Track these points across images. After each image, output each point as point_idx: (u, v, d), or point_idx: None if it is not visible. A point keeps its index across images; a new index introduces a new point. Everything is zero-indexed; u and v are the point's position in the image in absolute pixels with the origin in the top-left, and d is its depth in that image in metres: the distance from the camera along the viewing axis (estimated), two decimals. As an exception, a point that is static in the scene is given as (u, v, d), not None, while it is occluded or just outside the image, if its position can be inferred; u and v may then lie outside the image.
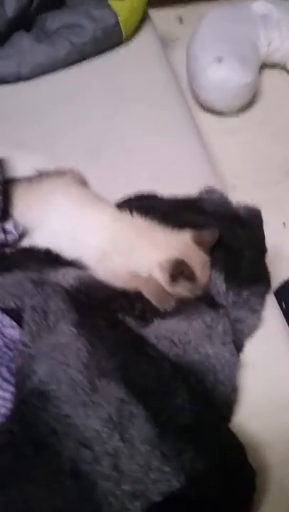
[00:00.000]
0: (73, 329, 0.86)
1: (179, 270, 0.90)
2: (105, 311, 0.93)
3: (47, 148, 1.38)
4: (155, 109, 1.48)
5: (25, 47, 1.61)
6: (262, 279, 1.00)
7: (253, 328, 0.95)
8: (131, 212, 1.03)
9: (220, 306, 0.93)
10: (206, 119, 1.80)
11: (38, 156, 1.32)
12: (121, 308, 0.95)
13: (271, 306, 1.02)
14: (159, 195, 1.13)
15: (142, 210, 1.03)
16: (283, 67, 1.90)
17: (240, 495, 0.69)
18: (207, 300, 0.94)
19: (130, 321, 0.92)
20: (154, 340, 0.88)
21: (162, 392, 0.78)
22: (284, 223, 1.53)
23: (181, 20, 2.25)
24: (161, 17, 2.21)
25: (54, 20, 1.65)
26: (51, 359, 0.79)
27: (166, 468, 0.67)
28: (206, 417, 0.75)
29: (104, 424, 0.70)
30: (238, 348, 0.93)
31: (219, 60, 1.68)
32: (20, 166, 1.28)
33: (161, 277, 0.93)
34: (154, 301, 0.94)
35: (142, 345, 0.85)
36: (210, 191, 1.06)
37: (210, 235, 0.96)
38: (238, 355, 0.89)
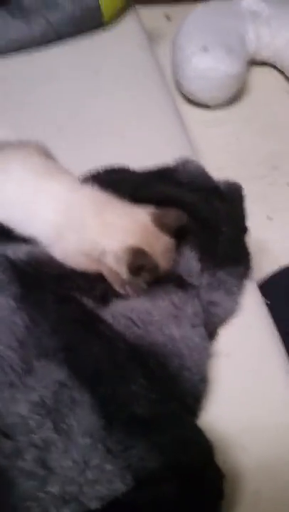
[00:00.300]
0: (12, 302, 0.72)
1: (139, 263, 0.74)
2: (57, 286, 0.78)
3: (13, 123, 1.27)
4: (133, 91, 1.38)
5: (-3, 22, 1.51)
6: (241, 260, 0.87)
7: (229, 313, 0.81)
8: (92, 184, 0.89)
9: (190, 287, 0.80)
10: (190, 112, 1.71)
11: (1, 129, 1.21)
12: (77, 288, 0.81)
13: (252, 293, 0.89)
14: (130, 168, 1.01)
15: (110, 184, 0.90)
16: (273, 65, 1.83)
17: (203, 502, 0.54)
18: (175, 279, 0.81)
19: (87, 301, 0.78)
20: (109, 319, 0.73)
21: (114, 377, 0.64)
22: (268, 217, 1.42)
23: (168, 18, 2.19)
24: (149, 14, 2.14)
25: (30, -3, 1.56)
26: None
27: (109, 467, 0.52)
28: (165, 406, 0.61)
29: (33, 410, 0.56)
30: (212, 333, 0.80)
31: (205, 49, 1.59)
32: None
33: (118, 268, 0.77)
34: (116, 288, 0.80)
35: (93, 321, 0.70)
36: (186, 162, 0.94)
37: (175, 218, 0.79)
38: (210, 341, 0.75)
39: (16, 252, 0.86)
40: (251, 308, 0.85)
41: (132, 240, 0.75)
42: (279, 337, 0.84)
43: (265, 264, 1.28)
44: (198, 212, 0.85)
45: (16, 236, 0.91)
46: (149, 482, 0.52)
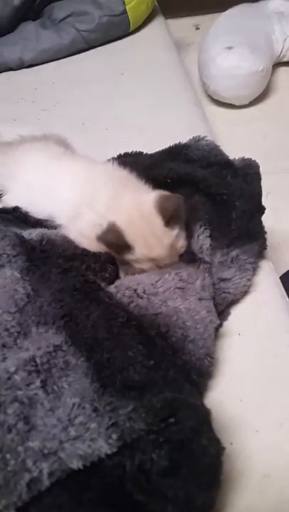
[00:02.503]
0: (17, 274, 0.72)
1: (108, 239, 0.74)
2: (64, 261, 0.78)
3: (38, 123, 1.32)
4: (155, 90, 1.40)
5: (29, 33, 1.59)
6: (256, 237, 0.83)
7: (240, 289, 0.77)
8: (112, 162, 0.90)
9: (201, 262, 0.77)
10: (216, 112, 1.71)
11: (27, 128, 1.25)
12: (87, 268, 0.79)
13: (268, 273, 0.84)
14: (144, 152, 1.00)
15: (125, 165, 0.90)
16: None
17: (197, 474, 0.50)
18: (186, 256, 0.78)
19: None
20: (113, 290, 0.72)
21: (111, 343, 0.61)
22: (293, 210, 1.37)
23: (198, 28, 2.23)
24: (178, 25, 2.20)
25: (61, 9, 1.64)
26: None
27: (93, 425, 0.50)
28: (163, 372, 0.57)
29: (21, 367, 0.54)
30: (223, 311, 0.76)
31: (229, 48, 1.59)
32: (7, 136, 1.20)
33: None
34: (121, 270, 0.79)
35: (94, 289, 0.69)
36: (199, 139, 0.92)
37: (172, 201, 0.76)
38: (219, 317, 0.71)
39: (30, 233, 0.87)
40: (266, 288, 0.81)
41: (119, 218, 0.74)
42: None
43: (289, 255, 1.22)
44: (210, 187, 0.83)
45: (32, 221, 0.93)
46: (137, 446, 0.49)
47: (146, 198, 0.77)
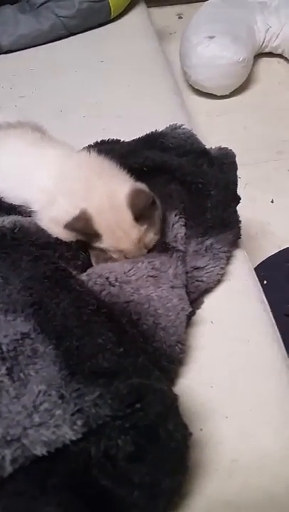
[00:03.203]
0: (-15, 262, 0.70)
1: (75, 226, 0.73)
2: (36, 249, 0.77)
3: (16, 109, 1.30)
4: (134, 77, 1.38)
5: (8, 18, 1.55)
6: (230, 226, 0.83)
7: (213, 277, 0.77)
8: (89, 150, 0.88)
9: (174, 250, 0.77)
10: (197, 102, 1.70)
11: (3, 114, 1.23)
12: (60, 257, 0.79)
13: (242, 262, 0.85)
14: (121, 140, 0.99)
15: (102, 153, 0.89)
16: (282, 55, 1.80)
17: (163, 459, 0.50)
18: (159, 246, 0.78)
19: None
20: (84, 277, 0.71)
21: (82, 331, 0.61)
22: (272, 200, 1.38)
23: (180, 17, 2.21)
24: (161, 14, 2.18)
25: (41, -6, 1.60)
26: None
27: (59, 411, 0.49)
28: (132, 359, 0.57)
29: (-14, 354, 0.53)
30: (197, 300, 0.76)
31: (210, 38, 1.58)
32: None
33: None
34: (92, 258, 0.78)
35: (65, 277, 0.68)
36: (175, 127, 0.92)
37: (142, 198, 0.74)
38: (191, 305, 0.71)
39: (3, 220, 0.85)
40: (239, 277, 0.81)
41: (90, 205, 0.73)
42: (268, 306, 0.80)
43: (266, 246, 1.23)
44: (185, 176, 0.82)
45: (6, 207, 0.91)
46: (102, 432, 0.49)
47: (120, 189, 0.76)
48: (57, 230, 0.80)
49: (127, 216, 0.73)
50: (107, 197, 0.75)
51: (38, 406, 0.50)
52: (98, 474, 0.49)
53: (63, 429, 0.48)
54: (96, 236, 0.73)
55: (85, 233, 0.74)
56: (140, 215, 0.74)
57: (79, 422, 0.49)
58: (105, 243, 0.73)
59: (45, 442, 0.47)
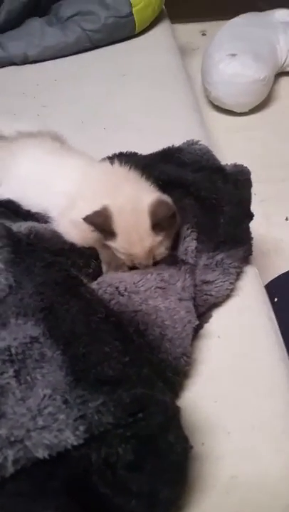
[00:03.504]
0: (1, 265, 0.72)
1: (94, 220, 0.74)
2: (49, 255, 0.78)
3: (37, 118, 1.33)
4: (156, 91, 1.41)
5: (35, 30, 1.60)
6: (242, 243, 0.84)
7: (222, 292, 0.78)
8: (111, 161, 0.91)
9: (183, 263, 0.78)
10: (217, 118, 1.72)
11: (25, 123, 1.26)
12: (72, 264, 0.80)
13: (252, 278, 0.85)
14: (139, 153, 1.01)
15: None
16: (303, 75, 1.82)
17: (161, 471, 0.50)
18: (169, 258, 0.79)
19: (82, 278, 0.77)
20: (94, 286, 0.72)
21: (89, 338, 0.62)
22: (287, 218, 1.38)
23: (204, 34, 2.24)
24: (185, 30, 2.21)
25: (68, 8, 1.65)
26: None
27: (62, 416, 0.50)
28: (137, 369, 0.58)
29: (-5, 355, 0.55)
30: (205, 314, 0.77)
31: (232, 55, 1.60)
32: (4, 130, 1.21)
33: None
34: (103, 266, 0.80)
35: (76, 284, 0.69)
36: (192, 143, 0.93)
37: (163, 208, 0.75)
38: (196, 316, 0.72)
39: (20, 226, 0.87)
40: (249, 293, 0.82)
41: (112, 203, 0.75)
42: (276, 324, 0.80)
43: (279, 263, 1.23)
44: (200, 191, 0.84)
45: (24, 213, 0.94)
46: (103, 439, 0.49)
47: (145, 195, 0.78)
48: (74, 233, 0.82)
49: (146, 222, 0.75)
50: (131, 200, 0.77)
51: (43, 409, 0.51)
52: (98, 481, 0.49)
53: (65, 433, 0.49)
54: (111, 235, 0.74)
55: (102, 229, 0.75)
56: (158, 225, 0.75)
57: (81, 428, 0.49)
58: (118, 244, 0.75)
59: (47, 445, 0.48)
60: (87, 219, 0.74)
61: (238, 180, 0.88)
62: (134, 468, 0.50)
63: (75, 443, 0.49)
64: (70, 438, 0.49)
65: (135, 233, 0.74)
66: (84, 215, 0.78)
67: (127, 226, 0.74)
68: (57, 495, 0.47)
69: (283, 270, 1.21)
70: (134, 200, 0.77)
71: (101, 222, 0.74)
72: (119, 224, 0.74)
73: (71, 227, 0.83)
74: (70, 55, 1.60)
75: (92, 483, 0.49)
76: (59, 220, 0.85)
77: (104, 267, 0.80)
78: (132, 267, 0.78)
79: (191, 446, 0.55)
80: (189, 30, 2.24)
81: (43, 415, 0.50)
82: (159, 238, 0.76)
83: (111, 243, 0.76)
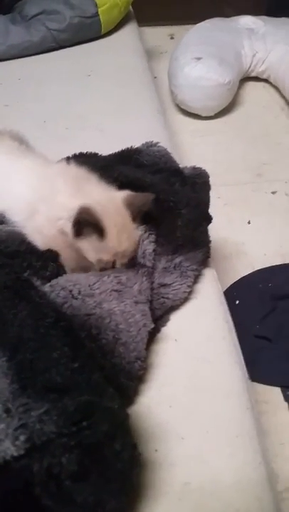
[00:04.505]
0: None
1: (83, 218, 0.71)
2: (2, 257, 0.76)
3: (-1, 117, 1.30)
4: (120, 92, 1.39)
5: (-2, 28, 1.56)
6: (200, 246, 0.83)
7: (179, 295, 0.77)
8: (68, 161, 0.89)
9: (140, 266, 0.76)
10: (182, 121, 1.72)
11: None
12: (28, 266, 0.78)
13: (210, 281, 0.84)
14: (99, 153, 0.99)
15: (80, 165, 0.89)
16: (267, 80, 1.84)
17: (108, 480, 0.48)
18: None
19: (35, 280, 0.75)
20: (47, 290, 0.70)
21: (37, 344, 0.59)
22: (249, 221, 1.39)
23: (172, 37, 2.25)
24: (154, 33, 2.22)
25: (33, 6, 1.62)
26: None
27: (2, 425, 0.48)
28: (86, 376, 0.56)
29: None
30: (162, 317, 0.76)
31: (197, 59, 1.61)
32: None
33: (68, 230, 0.74)
34: (67, 269, 0.78)
35: (25, 288, 0.67)
36: (151, 145, 0.92)
37: (141, 198, 0.77)
38: (151, 319, 0.71)
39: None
40: (207, 296, 0.81)
41: (91, 203, 0.73)
42: (233, 327, 0.79)
43: (240, 266, 1.24)
44: (157, 193, 0.82)
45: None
46: (46, 449, 0.47)
47: (114, 192, 0.78)
48: (40, 240, 0.79)
49: (127, 217, 0.75)
50: (106, 199, 0.76)
51: (-19, 419, 0.49)
52: (40, 493, 0.47)
53: (5, 444, 0.46)
54: (99, 232, 0.72)
55: (93, 225, 0.72)
56: (136, 216, 0.76)
57: (21, 438, 0.47)
58: (106, 243, 0.73)
59: (-14, 459, 0.46)
60: (78, 216, 0.71)
61: (196, 183, 0.87)
62: (79, 478, 0.48)
63: (15, 453, 0.47)
64: (10, 448, 0.46)
65: (124, 229, 0.74)
66: (44, 222, 0.76)
67: (116, 223, 0.73)
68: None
69: (245, 273, 1.22)
70: (107, 199, 0.76)
71: (92, 218, 0.72)
72: (107, 223, 0.73)
73: (37, 233, 0.80)
74: (35, 54, 1.58)
75: (35, 496, 0.47)
76: (24, 225, 0.82)
77: (68, 270, 0.77)
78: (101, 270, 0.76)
79: (139, 454, 0.53)
80: (158, 34, 2.25)
81: (-19, 426, 0.48)
82: (140, 231, 0.77)
83: (94, 243, 0.73)
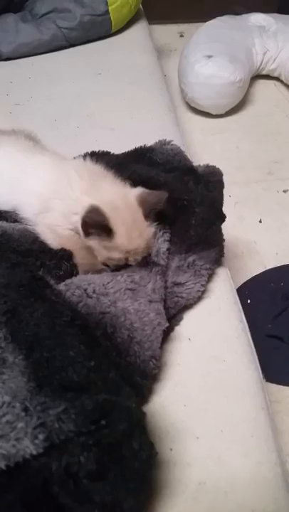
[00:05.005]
0: None
1: (91, 218, 0.72)
2: (16, 256, 0.76)
3: (10, 116, 1.30)
4: (130, 91, 1.39)
5: (9, 26, 1.57)
6: (214, 244, 0.83)
7: (193, 294, 0.77)
8: (84, 158, 0.89)
9: (154, 265, 0.76)
10: (192, 120, 1.72)
11: (-1, 120, 1.23)
12: (41, 265, 0.78)
13: (223, 280, 0.84)
14: (111, 152, 0.99)
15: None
16: (278, 78, 1.82)
17: (125, 475, 0.48)
18: (140, 260, 0.77)
19: (49, 279, 0.75)
20: (62, 287, 0.70)
21: (54, 342, 0.59)
22: (260, 220, 1.39)
23: (182, 35, 2.24)
24: (163, 31, 2.22)
25: (43, 4, 1.62)
26: None
27: (21, 424, 0.48)
28: (102, 374, 0.56)
29: None
30: (176, 316, 0.76)
31: (208, 57, 1.60)
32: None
33: (80, 229, 0.75)
34: (80, 271, 0.78)
35: (41, 286, 0.67)
36: (164, 143, 0.92)
37: (154, 196, 0.77)
38: (165, 318, 0.71)
39: (-13, 226, 0.84)
40: (220, 295, 0.81)
41: (102, 203, 0.73)
42: (247, 327, 0.79)
43: (252, 265, 1.23)
44: (171, 192, 0.82)
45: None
46: (65, 448, 0.47)
47: (128, 190, 0.78)
48: (52, 238, 0.79)
49: (140, 215, 0.75)
50: (118, 196, 0.76)
51: (0, 418, 0.49)
52: (58, 491, 0.47)
53: (24, 442, 0.46)
54: (108, 232, 0.72)
55: (100, 227, 0.72)
56: (149, 214, 0.76)
57: (41, 436, 0.47)
58: (116, 242, 0.73)
59: (4, 456, 0.46)
60: (86, 218, 0.72)
61: (210, 182, 0.87)
62: (97, 477, 0.48)
63: (34, 452, 0.47)
64: (29, 447, 0.47)
65: (134, 227, 0.74)
66: (58, 219, 0.76)
67: (125, 221, 0.73)
68: (9, 509, 0.45)
69: (256, 272, 1.22)
70: (121, 195, 0.77)
71: (100, 219, 0.72)
72: (115, 221, 0.73)
73: (48, 231, 0.80)
74: (45, 52, 1.58)
75: (52, 494, 0.47)
76: (36, 221, 0.83)
77: (80, 273, 0.77)
78: (114, 270, 0.76)
79: (156, 453, 0.53)
80: (167, 31, 2.25)
81: (0, 424, 0.48)
82: (153, 229, 0.77)
83: (105, 243, 0.73)
